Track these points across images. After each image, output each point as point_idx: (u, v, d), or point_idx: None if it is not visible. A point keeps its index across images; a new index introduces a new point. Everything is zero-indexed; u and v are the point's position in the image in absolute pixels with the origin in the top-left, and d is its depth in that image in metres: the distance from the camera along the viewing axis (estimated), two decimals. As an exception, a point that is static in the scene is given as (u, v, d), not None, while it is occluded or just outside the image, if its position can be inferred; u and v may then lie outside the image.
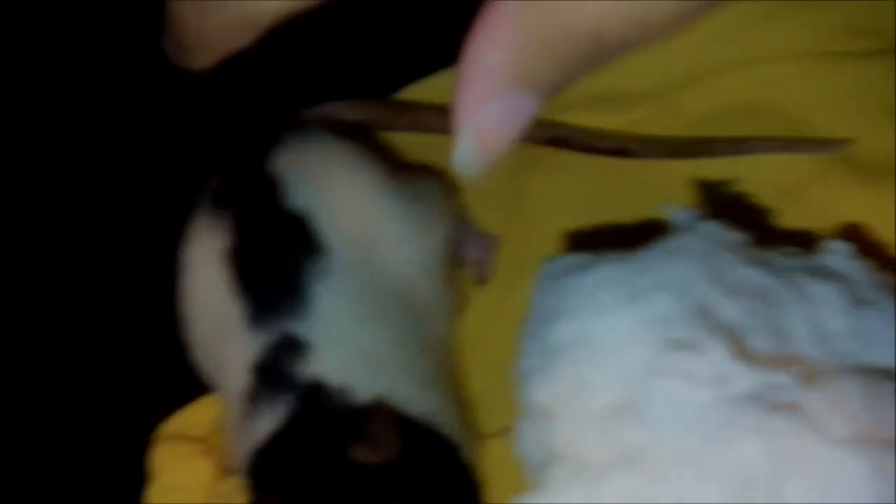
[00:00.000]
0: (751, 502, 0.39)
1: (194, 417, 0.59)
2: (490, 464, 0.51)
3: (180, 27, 0.38)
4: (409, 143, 0.62)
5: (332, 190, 0.51)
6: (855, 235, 0.55)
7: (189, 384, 0.58)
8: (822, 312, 0.43)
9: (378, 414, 0.45)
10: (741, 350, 0.41)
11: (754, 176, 0.59)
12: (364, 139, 0.56)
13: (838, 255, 0.46)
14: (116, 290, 0.60)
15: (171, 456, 0.57)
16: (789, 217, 0.57)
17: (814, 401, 0.40)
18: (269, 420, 0.47)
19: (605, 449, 0.41)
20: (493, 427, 0.53)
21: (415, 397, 0.47)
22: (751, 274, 0.43)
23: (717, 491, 0.39)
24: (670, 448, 0.40)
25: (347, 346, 0.48)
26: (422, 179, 0.57)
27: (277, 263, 0.49)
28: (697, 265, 0.43)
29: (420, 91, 0.63)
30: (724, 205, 0.58)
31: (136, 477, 0.57)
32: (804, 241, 0.50)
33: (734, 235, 0.46)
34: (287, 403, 0.47)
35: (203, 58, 0.38)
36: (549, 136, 0.61)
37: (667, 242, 0.45)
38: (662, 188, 0.59)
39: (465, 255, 0.59)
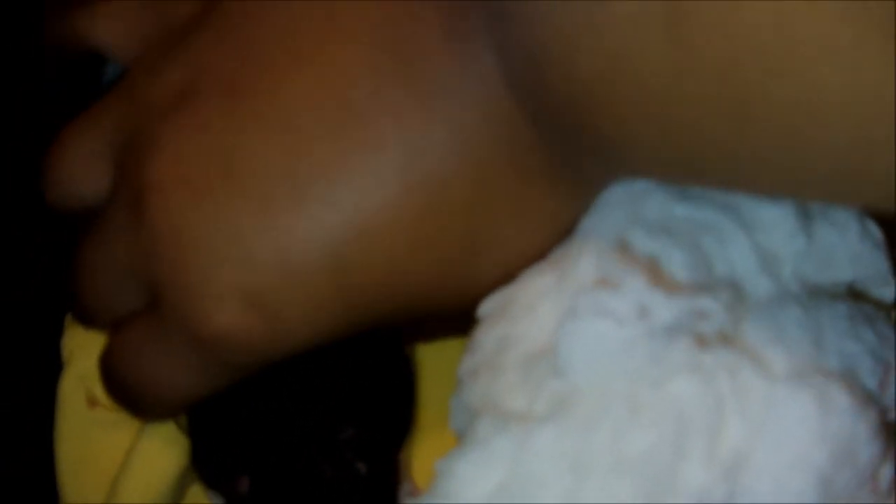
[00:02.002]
0: (688, 445, 0.37)
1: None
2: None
3: None
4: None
5: None
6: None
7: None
8: (769, 238, 0.40)
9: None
10: (661, 280, 0.38)
11: None
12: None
13: None
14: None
15: (84, 340, 0.54)
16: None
17: (749, 332, 0.38)
18: None
19: (530, 398, 0.38)
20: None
21: None
22: (680, 209, 0.40)
23: (652, 435, 0.37)
24: (598, 391, 0.37)
25: None
26: None
27: None
28: (617, 211, 0.40)
29: None
30: None
31: (51, 363, 0.54)
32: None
33: None
34: None
35: None
36: None
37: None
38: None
39: None
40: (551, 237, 0.40)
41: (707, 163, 0.35)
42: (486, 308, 0.42)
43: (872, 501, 0.38)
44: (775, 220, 0.40)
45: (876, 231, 0.42)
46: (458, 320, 0.43)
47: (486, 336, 0.41)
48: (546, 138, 0.37)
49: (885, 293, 0.42)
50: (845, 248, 0.41)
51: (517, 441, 0.37)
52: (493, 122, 0.36)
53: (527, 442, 0.37)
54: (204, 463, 0.47)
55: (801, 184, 0.34)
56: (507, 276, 0.40)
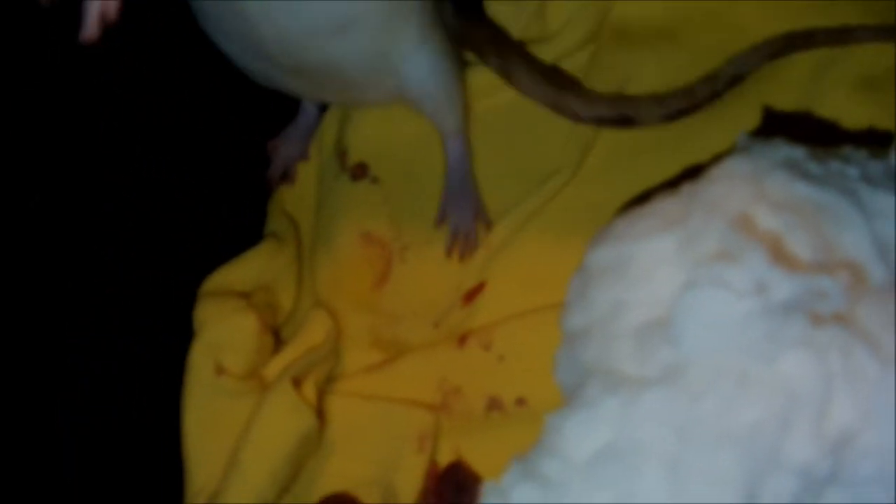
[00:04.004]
0: (794, 421, 0.37)
1: (237, 273, 0.58)
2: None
3: None
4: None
5: None
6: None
7: (232, 239, 0.58)
8: (886, 226, 0.40)
9: None
10: (782, 257, 0.39)
11: (838, 68, 0.56)
12: None
13: None
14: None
15: (215, 311, 0.56)
16: (871, 111, 0.54)
17: (864, 314, 0.38)
18: None
19: (641, 364, 0.39)
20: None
21: None
22: (802, 189, 0.41)
23: (760, 408, 0.37)
24: (709, 363, 0.38)
25: None
26: None
27: None
28: (741, 186, 0.41)
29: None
30: (794, 120, 0.55)
31: (182, 332, 0.57)
32: (880, 140, 0.47)
33: (794, 152, 0.43)
34: None
35: None
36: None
37: (715, 169, 0.43)
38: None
39: (446, 214, 0.58)
40: None
41: None
42: (600, 259, 0.43)
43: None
44: (893, 209, 0.41)
45: None
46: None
47: (601, 296, 0.42)
48: None
49: None
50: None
51: (625, 403, 0.38)
52: None
53: (634, 404, 0.38)
54: None
55: None
56: None
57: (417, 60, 0.54)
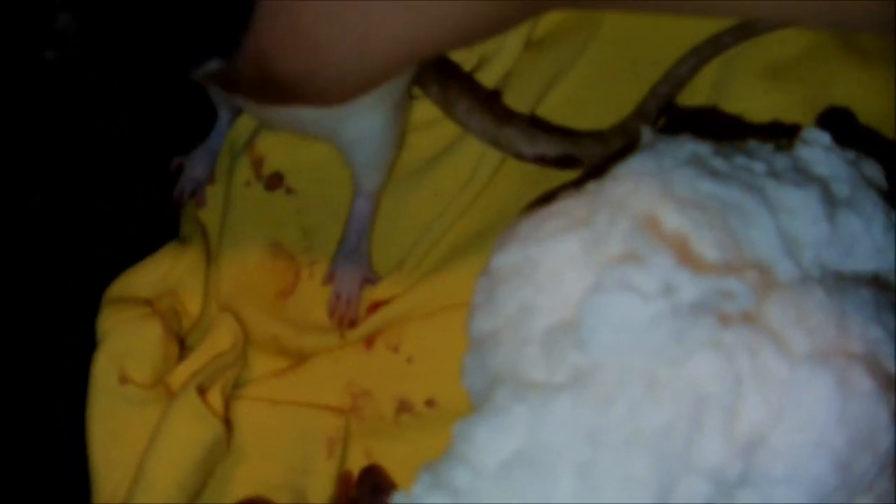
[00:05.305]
0: (705, 422, 0.37)
1: (140, 278, 0.57)
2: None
3: None
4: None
5: None
6: (840, 119, 0.52)
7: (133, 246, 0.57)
8: (794, 222, 0.40)
9: None
10: (689, 258, 0.38)
11: (742, 58, 0.56)
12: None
13: (816, 146, 0.43)
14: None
15: (118, 319, 0.55)
16: (776, 101, 0.54)
17: (772, 313, 0.38)
18: None
19: (550, 369, 0.38)
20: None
21: None
22: (708, 186, 0.40)
23: (669, 411, 0.37)
24: (618, 366, 0.37)
25: None
26: None
27: None
28: (646, 184, 0.40)
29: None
30: (699, 115, 0.55)
31: (84, 341, 0.55)
32: (785, 132, 0.47)
33: (700, 148, 0.42)
34: None
35: None
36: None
37: (620, 167, 0.42)
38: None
39: (334, 275, 0.57)
40: None
41: None
42: (506, 262, 0.42)
43: (892, 487, 0.38)
44: (800, 205, 0.40)
45: (903, 223, 0.42)
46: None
47: (509, 299, 0.41)
48: None
49: (909, 286, 0.42)
50: (869, 238, 0.41)
51: (535, 409, 0.38)
52: None
53: (544, 410, 0.37)
54: None
55: None
56: None
57: (362, 123, 0.53)
